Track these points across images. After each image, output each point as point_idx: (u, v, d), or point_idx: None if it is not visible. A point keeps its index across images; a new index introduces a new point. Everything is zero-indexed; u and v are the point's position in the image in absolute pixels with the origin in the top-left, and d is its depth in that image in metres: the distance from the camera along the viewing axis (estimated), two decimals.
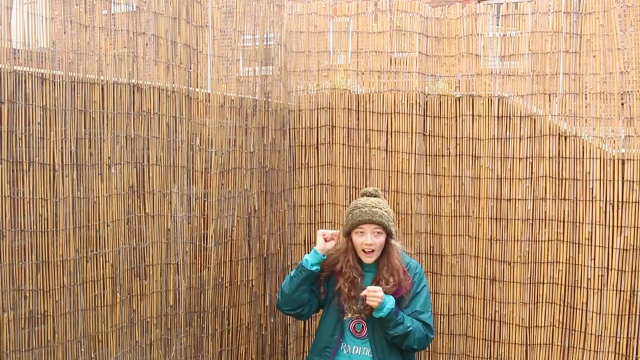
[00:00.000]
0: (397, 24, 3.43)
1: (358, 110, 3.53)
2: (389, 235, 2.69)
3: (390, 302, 2.59)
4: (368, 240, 2.64)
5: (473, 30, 3.32)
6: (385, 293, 2.58)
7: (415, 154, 3.42)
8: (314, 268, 2.69)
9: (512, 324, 3.30)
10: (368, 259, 2.67)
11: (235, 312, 3.35)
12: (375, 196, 2.77)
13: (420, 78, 3.42)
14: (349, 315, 2.69)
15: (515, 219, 3.26)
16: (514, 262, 3.28)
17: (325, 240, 2.73)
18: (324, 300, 2.79)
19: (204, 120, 3.15)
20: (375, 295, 2.55)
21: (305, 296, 2.72)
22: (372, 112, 3.50)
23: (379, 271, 2.68)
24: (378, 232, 2.65)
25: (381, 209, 2.67)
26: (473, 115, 3.33)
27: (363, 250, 2.66)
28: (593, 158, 3.10)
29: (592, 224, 3.10)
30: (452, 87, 3.42)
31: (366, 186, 3.50)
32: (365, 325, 2.69)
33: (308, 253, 2.74)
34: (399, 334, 2.59)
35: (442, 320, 3.47)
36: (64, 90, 2.58)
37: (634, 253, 3.01)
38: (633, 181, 3.01)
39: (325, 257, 2.72)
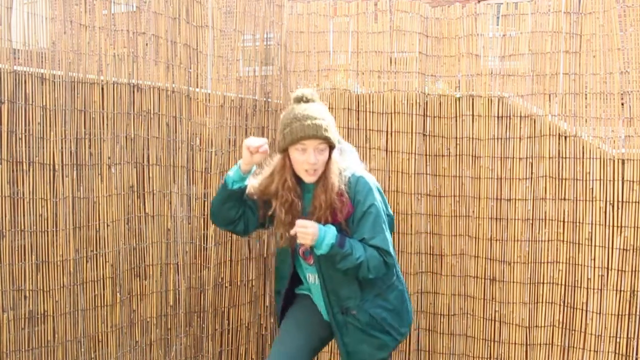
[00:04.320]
0: (397, 24, 3.43)
1: (358, 110, 3.53)
2: (331, 148, 2.31)
3: (330, 235, 2.23)
4: (311, 159, 2.24)
5: (473, 30, 3.32)
6: (318, 221, 2.25)
7: (415, 154, 3.42)
8: (235, 186, 2.35)
9: (512, 324, 3.30)
10: (310, 179, 2.29)
11: (235, 312, 3.35)
12: (313, 101, 2.33)
13: (420, 78, 3.42)
14: (280, 244, 2.38)
15: (515, 219, 3.26)
16: (514, 262, 3.28)
17: (251, 153, 2.31)
18: (268, 222, 2.47)
19: (204, 120, 3.15)
20: (305, 232, 2.20)
21: (232, 213, 2.40)
22: (372, 112, 3.49)
23: (315, 191, 2.30)
24: (321, 149, 2.26)
25: (324, 120, 2.27)
26: (473, 115, 3.33)
27: (304, 169, 2.28)
28: (593, 158, 3.10)
29: (592, 224, 3.10)
30: (452, 87, 3.42)
31: None
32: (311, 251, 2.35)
33: None
34: (349, 267, 2.26)
35: (442, 320, 3.47)
36: (64, 90, 2.58)
37: (634, 253, 3.01)
38: (633, 181, 3.01)
39: (246, 176, 2.37)
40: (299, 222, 2.23)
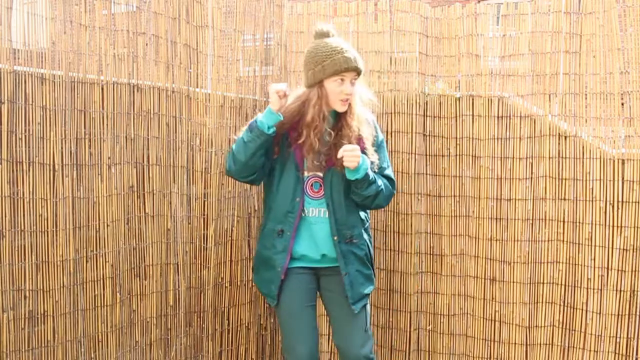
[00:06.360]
0: (397, 24, 3.43)
1: None
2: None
3: (366, 162, 2.40)
4: (349, 89, 2.43)
5: (473, 30, 3.32)
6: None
7: (415, 154, 3.42)
8: (270, 131, 2.42)
9: (512, 324, 3.30)
10: (343, 108, 2.46)
11: (235, 312, 3.35)
12: (336, 36, 2.51)
13: (420, 78, 3.42)
14: (306, 173, 2.49)
15: (515, 219, 3.26)
16: (514, 262, 3.28)
17: (280, 98, 2.43)
18: (275, 160, 2.56)
19: (204, 120, 3.15)
20: (353, 155, 2.34)
21: (261, 161, 2.49)
22: (372, 112, 3.49)
23: (341, 120, 2.46)
24: (355, 80, 2.47)
25: (356, 52, 2.47)
26: (473, 115, 3.33)
27: (340, 99, 2.45)
28: (593, 158, 3.10)
29: (592, 224, 3.10)
30: (452, 87, 3.42)
31: None
32: (322, 183, 2.50)
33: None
34: (370, 195, 2.44)
35: (442, 320, 3.47)
36: (64, 90, 2.58)
37: (634, 253, 3.01)
38: (633, 181, 3.01)
39: (281, 118, 2.44)
40: (347, 146, 2.37)
